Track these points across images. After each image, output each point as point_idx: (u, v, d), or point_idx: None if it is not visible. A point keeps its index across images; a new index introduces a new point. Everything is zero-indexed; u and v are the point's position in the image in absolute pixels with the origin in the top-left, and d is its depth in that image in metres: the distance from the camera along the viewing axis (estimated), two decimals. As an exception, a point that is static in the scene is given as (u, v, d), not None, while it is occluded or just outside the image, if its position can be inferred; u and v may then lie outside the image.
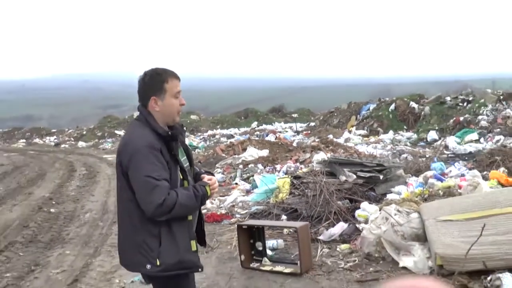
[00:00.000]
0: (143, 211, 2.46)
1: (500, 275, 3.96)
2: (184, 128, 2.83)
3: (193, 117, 32.08)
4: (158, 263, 2.47)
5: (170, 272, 2.50)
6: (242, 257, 5.16)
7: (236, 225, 5.78)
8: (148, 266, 2.50)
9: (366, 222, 5.82)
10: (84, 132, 31.85)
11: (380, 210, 5.54)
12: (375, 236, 5.06)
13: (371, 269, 4.76)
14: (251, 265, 5.17)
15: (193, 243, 2.60)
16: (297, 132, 22.14)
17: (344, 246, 5.41)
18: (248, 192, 9.00)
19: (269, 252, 5.45)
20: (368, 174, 7.36)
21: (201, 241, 2.84)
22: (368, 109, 21.76)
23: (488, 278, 4.00)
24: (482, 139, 14.95)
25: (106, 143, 25.08)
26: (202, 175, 2.76)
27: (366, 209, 6.19)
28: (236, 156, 13.52)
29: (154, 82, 2.53)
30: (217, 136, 23.19)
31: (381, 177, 7.42)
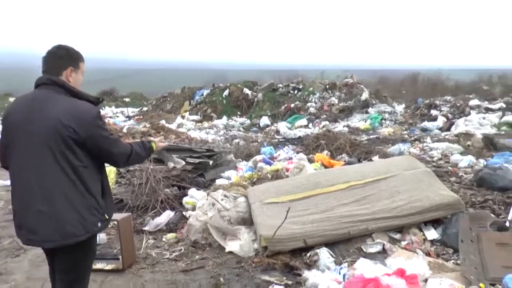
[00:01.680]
0: (93, 173, 2.80)
1: (317, 250, 4.32)
2: (101, 99, 3.12)
3: (12, 99, 28.45)
4: (106, 217, 2.85)
5: (108, 224, 2.91)
6: (57, 257, 4.76)
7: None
8: (99, 224, 2.80)
9: (194, 209, 5.85)
10: None
11: (207, 196, 5.62)
12: (202, 222, 5.11)
13: (197, 257, 4.79)
14: (68, 265, 4.80)
15: None
16: (129, 117, 21.41)
17: (170, 236, 5.36)
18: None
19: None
20: (197, 160, 7.42)
21: None
22: (202, 95, 22.03)
23: (308, 254, 4.33)
24: (310, 125, 16.32)
25: None
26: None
27: (194, 195, 6.23)
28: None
29: (73, 56, 2.84)
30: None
31: (211, 162, 7.55)
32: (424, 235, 4.66)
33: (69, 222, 2.69)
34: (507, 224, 4.53)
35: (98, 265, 4.76)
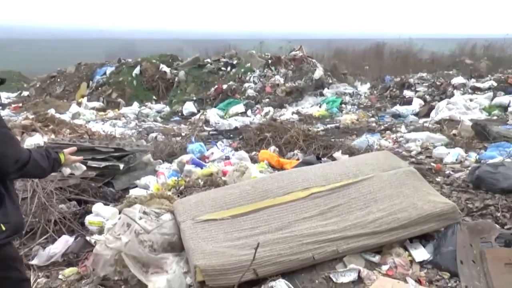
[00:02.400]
0: None
1: (272, 283, 4.19)
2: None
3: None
4: (3, 228, 2.92)
5: (13, 237, 3.05)
6: None
7: None
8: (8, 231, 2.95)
9: (101, 232, 5.57)
10: None
11: (119, 214, 5.36)
12: (113, 251, 4.84)
13: (107, 300, 4.54)
14: None
15: None
16: (1, 106, 20.45)
17: (69, 271, 5.08)
18: None
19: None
20: (103, 164, 7.15)
21: None
22: (104, 74, 21.47)
23: (259, 290, 4.19)
24: (249, 112, 16.29)
25: None
26: None
27: (100, 213, 5.96)
28: None
29: None
30: None
31: (122, 166, 7.30)
32: (410, 255, 4.64)
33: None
34: (517, 236, 4.58)
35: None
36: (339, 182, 5.25)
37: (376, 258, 4.64)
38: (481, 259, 4.16)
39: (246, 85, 18.83)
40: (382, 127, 12.22)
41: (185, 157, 8.21)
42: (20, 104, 20.31)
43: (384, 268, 4.50)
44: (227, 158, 8.49)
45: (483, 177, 6.24)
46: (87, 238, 5.61)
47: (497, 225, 4.96)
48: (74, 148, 3.41)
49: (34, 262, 5.30)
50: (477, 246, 4.33)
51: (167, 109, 18.20)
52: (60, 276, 5.05)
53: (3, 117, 3.02)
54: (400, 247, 4.72)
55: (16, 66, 33.02)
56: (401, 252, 4.66)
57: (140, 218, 5.07)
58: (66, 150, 3.35)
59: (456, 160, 8.06)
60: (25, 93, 23.43)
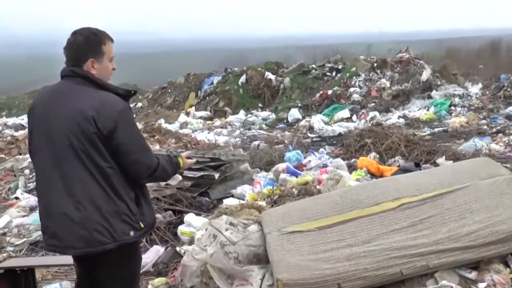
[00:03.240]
0: (123, 176, 3.11)
1: (357, 300, 4.01)
2: (133, 92, 3.50)
3: (36, 93, 29.06)
4: (142, 226, 3.18)
5: (147, 233, 3.41)
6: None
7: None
8: (132, 233, 3.13)
9: (191, 242, 5.63)
10: None
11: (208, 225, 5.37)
12: (200, 262, 4.87)
13: (193, 311, 4.54)
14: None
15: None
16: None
17: (158, 281, 5.18)
18: (32, 210, 8.24)
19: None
20: (198, 174, 7.22)
21: None
22: (212, 83, 21.97)
23: (344, 306, 4.02)
24: (354, 117, 16.06)
25: None
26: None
27: (192, 223, 6.04)
28: (21, 156, 12.54)
29: (91, 43, 3.11)
30: (-1, 128, 21.41)
31: (217, 175, 7.34)
32: None
33: (95, 228, 3.06)
34: None
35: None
36: (432, 191, 4.94)
37: (472, 275, 4.32)
38: None
39: (352, 89, 18.64)
40: (494, 129, 11.65)
41: (281, 166, 8.17)
42: (134, 115, 21.23)
43: (481, 286, 4.18)
44: (325, 166, 8.34)
45: None
46: (177, 248, 5.69)
47: None
48: (189, 152, 3.65)
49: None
50: None
51: (272, 116, 18.33)
52: (149, 286, 5.15)
53: None
54: (500, 263, 4.36)
55: (132, 79, 34.66)
56: (501, 269, 4.30)
57: (227, 230, 5.04)
58: (183, 154, 3.55)
59: None
60: (139, 104, 24.45)
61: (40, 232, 6.78)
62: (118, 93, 3.17)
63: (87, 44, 3.12)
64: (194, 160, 3.62)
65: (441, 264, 4.30)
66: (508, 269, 4.34)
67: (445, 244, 4.36)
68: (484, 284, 4.18)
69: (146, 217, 3.22)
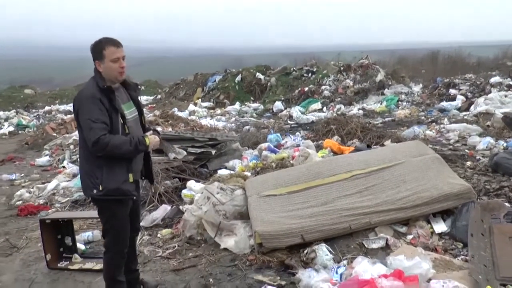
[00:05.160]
0: None
1: (315, 247, 4.04)
2: (139, 86, 3.68)
3: (27, 91, 28.60)
4: (101, 188, 3.23)
5: (109, 196, 3.26)
6: (48, 256, 4.65)
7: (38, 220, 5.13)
8: (94, 191, 3.26)
9: (192, 202, 5.63)
10: None
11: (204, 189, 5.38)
12: (196, 217, 4.88)
13: (190, 254, 4.57)
14: (58, 264, 4.69)
15: (131, 176, 3.33)
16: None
17: (165, 232, 5.17)
18: (75, 176, 8.21)
19: (82, 247, 5.03)
20: (199, 150, 7.21)
21: (150, 179, 3.80)
22: (215, 81, 21.80)
23: (305, 252, 4.06)
24: (324, 108, 15.95)
25: None
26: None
27: (192, 188, 6.02)
28: (67, 135, 12.47)
29: (95, 49, 3.25)
30: (53, 113, 21.19)
31: (214, 152, 7.33)
32: (432, 228, 4.33)
33: (82, 181, 3.39)
34: (524, 214, 4.16)
35: (87, 265, 4.63)
36: (376, 166, 4.98)
37: (403, 229, 4.37)
38: (489, 233, 3.79)
39: (323, 87, 18.47)
40: (429, 120, 11.55)
41: (263, 145, 8.16)
42: (154, 105, 21.07)
43: (409, 237, 4.23)
44: (298, 145, 8.33)
45: (500, 162, 5.70)
46: (180, 207, 5.69)
47: (507, 204, 4.51)
48: (152, 132, 3.51)
49: (142, 224, 5.43)
50: (487, 221, 3.95)
51: (261, 107, 18.16)
52: (158, 235, 5.16)
53: None
54: (423, 221, 4.41)
55: (154, 77, 34.37)
56: (424, 225, 4.35)
57: (218, 193, 5.07)
58: (148, 133, 3.44)
59: (487, 147, 7.43)
60: (158, 96, 24.27)
61: (79, 193, 6.88)
62: (98, 86, 3.22)
63: (92, 50, 3.26)
64: (157, 138, 3.46)
65: (380, 221, 4.36)
66: (429, 225, 4.41)
67: (383, 206, 4.42)
68: (411, 236, 4.25)
69: (105, 183, 3.22)
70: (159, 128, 10.54)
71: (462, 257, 3.78)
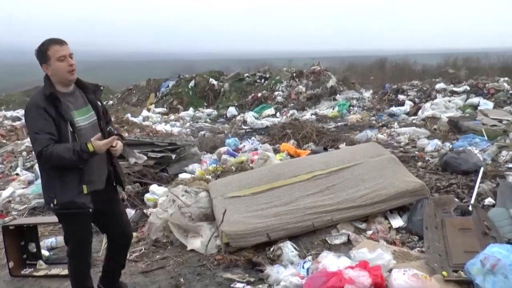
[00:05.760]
0: None
1: (281, 244, 4.21)
2: (101, 87, 3.44)
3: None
4: (55, 202, 3.09)
5: (64, 210, 3.12)
6: (11, 264, 4.56)
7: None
8: (51, 205, 3.14)
9: (155, 206, 5.68)
10: None
11: (168, 192, 5.44)
12: (162, 220, 4.94)
13: (157, 256, 4.62)
14: (22, 272, 4.62)
15: (85, 187, 3.12)
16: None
17: (130, 235, 5.15)
18: (30, 183, 8.04)
19: (46, 253, 4.97)
20: (159, 154, 7.25)
21: (121, 184, 3.57)
22: (168, 86, 21.71)
23: (271, 249, 4.21)
24: (278, 114, 16.25)
25: None
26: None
27: (155, 192, 6.06)
28: (19, 141, 12.12)
29: (40, 52, 3.07)
30: (0, 119, 20.40)
31: (174, 156, 7.38)
32: (389, 223, 4.60)
33: (42, 192, 3.27)
34: (470, 208, 4.51)
35: (53, 271, 4.59)
36: (336, 166, 5.22)
37: (363, 226, 4.62)
38: (442, 226, 4.10)
39: (276, 93, 18.79)
40: (380, 124, 12.03)
41: (222, 149, 8.28)
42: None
43: (369, 233, 4.48)
44: (256, 149, 8.51)
45: (448, 161, 6.13)
46: (144, 210, 5.72)
47: (456, 199, 4.87)
48: (99, 135, 3.13)
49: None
50: (439, 215, 4.27)
51: (215, 112, 18.26)
52: (123, 239, 5.16)
53: None
54: (382, 217, 4.68)
55: (105, 82, 33.62)
56: (382, 221, 4.62)
57: (183, 195, 5.15)
58: (92, 139, 3.04)
59: (434, 149, 7.89)
60: (110, 102, 23.88)
61: (38, 199, 6.74)
62: (44, 93, 3.05)
63: (37, 54, 3.08)
64: (105, 141, 3.08)
65: (342, 218, 4.58)
66: (387, 221, 4.67)
67: (344, 204, 4.64)
68: (371, 232, 4.49)
69: (59, 197, 3.07)
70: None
71: (418, 248, 4.07)
